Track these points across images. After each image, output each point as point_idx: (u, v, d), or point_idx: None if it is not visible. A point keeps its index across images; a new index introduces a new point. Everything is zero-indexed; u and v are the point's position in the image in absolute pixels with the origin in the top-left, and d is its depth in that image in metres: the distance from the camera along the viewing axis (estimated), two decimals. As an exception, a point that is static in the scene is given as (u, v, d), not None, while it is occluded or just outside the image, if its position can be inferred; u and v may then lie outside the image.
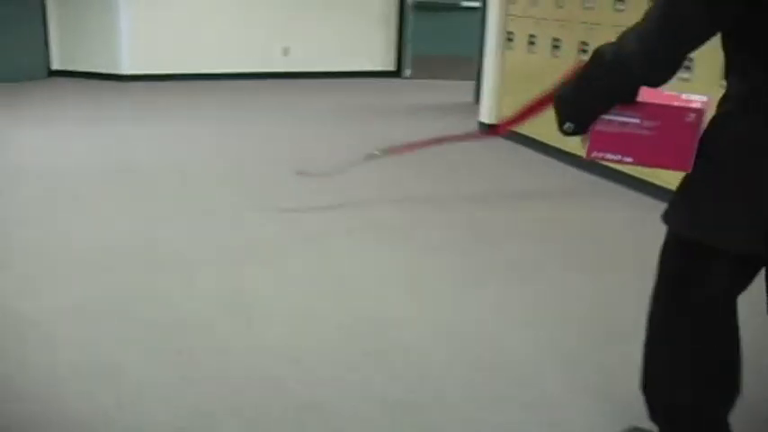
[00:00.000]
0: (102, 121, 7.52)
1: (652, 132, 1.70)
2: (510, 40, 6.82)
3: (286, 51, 10.46)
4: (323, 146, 6.58)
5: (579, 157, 5.61)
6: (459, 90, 9.69)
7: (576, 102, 1.74)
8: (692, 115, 1.69)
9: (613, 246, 4.18)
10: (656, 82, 1.66)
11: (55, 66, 10.14)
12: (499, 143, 6.76)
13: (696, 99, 1.74)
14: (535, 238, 4.31)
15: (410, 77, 11.02)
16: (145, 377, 2.70)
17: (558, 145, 5.96)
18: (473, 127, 7.29)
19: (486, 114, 7.14)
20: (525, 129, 6.49)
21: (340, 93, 9.65)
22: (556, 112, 1.78)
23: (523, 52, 6.59)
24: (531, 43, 6.49)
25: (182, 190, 5.10)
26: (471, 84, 9.11)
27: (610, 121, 1.71)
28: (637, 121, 1.70)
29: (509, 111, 6.73)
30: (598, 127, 1.72)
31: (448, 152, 6.36)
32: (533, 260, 3.97)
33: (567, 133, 1.77)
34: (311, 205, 4.67)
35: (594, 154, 1.75)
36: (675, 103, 1.71)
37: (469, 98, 8.97)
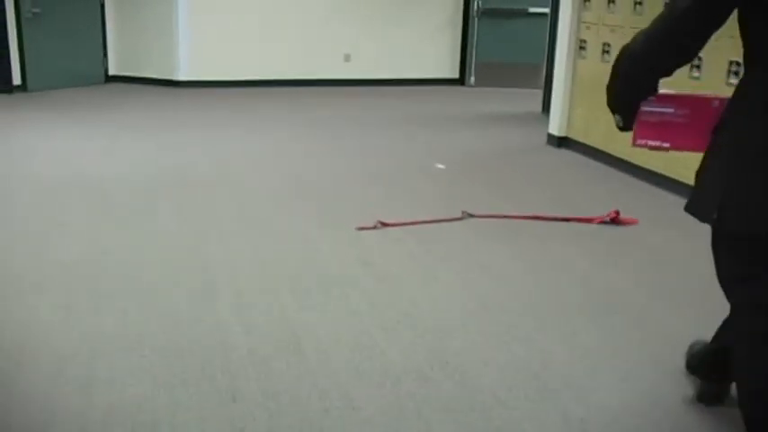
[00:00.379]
0: (158, 128, 7.41)
1: (684, 119, 2.03)
2: (582, 48, 6.49)
3: (347, 58, 10.27)
4: (385, 157, 6.36)
5: (661, 175, 5.21)
6: (525, 99, 9.40)
7: (613, 94, 2.05)
8: (716, 102, 2.04)
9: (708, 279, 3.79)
10: (667, 71, 1.94)
11: (112, 71, 10.10)
12: (572, 158, 6.44)
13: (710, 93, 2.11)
14: (617, 266, 3.96)
15: (474, 85, 10.74)
16: (188, 430, 2.45)
17: (635, 161, 5.62)
18: (542, 139, 6.99)
19: (556, 126, 6.81)
20: (599, 143, 6.17)
21: (402, 100, 9.45)
22: (609, 107, 2.08)
23: (597, 62, 6.24)
24: (606, 52, 6.14)
25: (237, 205, 4.88)
26: (538, 93, 8.84)
27: (651, 112, 2.03)
28: (671, 110, 2.04)
29: (580, 122, 6.51)
30: (641, 118, 2.03)
31: (520, 168, 6.09)
32: (621, 293, 3.63)
33: (619, 127, 2.07)
34: (375, 225, 4.40)
35: (639, 141, 2.08)
36: (700, 94, 2.10)
37: (537, 108, 8.67)
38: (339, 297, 3.46)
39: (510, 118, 8.48)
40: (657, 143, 2.08)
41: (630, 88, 2.01)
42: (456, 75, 10.83)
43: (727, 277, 2.09)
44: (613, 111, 2.06)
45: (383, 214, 4.55)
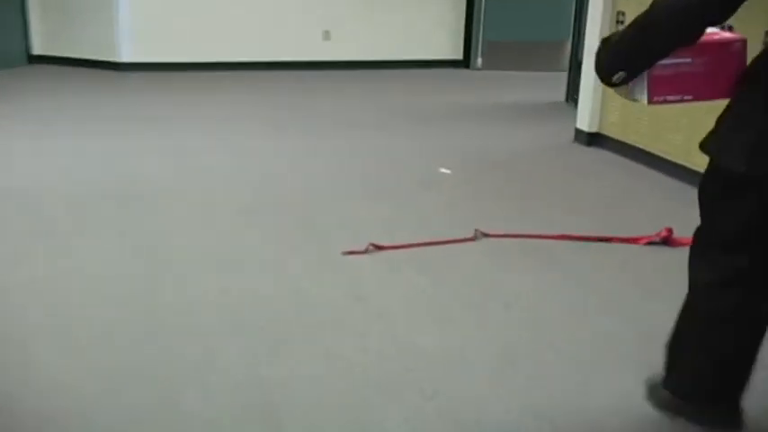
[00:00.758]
0: (96, 122, 7.32)
1: (704, 68, 2.25)
2: (620, 22, 6.37)
3: (327, 36, 10.26)
4: (376, 159, 6.27)
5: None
6: (545, 85, 9.39)
7: (640, 48, 2.23)
8: (738, 44, 2.27)
9: None
10: (721, 20, 2.15)
11: (36, 50, 10.02)
12: (608, 160, 6.36)
13: (726, 33, 2.33)
14: (673, 300, 3.79)
15: (482, 68, 10.75)
16: None
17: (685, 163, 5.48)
18: (568, 136, 6.91)
19: (586, 120, 6.72)
20: (642, 140, 6.04)
21: (394, 88, 9.41)
22: (604, 65, 2.32)
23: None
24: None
25: (196, 221, 4.79)
26: (562, 77, 8.80)
27: (665, 65, 2.22)
28: (689, 60, 2.23)
29: (618, 114, 6.37)
30: (656, 72, 2.23)
31: (542, 173, 6.06)
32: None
33: (614, 84, 2.29)
34: (367, 248, 4.29)
35: (656, 98, 2.28)
36: (717, 38, 2.28)
37: (560, 97, 8.66)
38: (324, 345, 3.31)
39: (527, 109, 8.45)
40: (678, 97, 2.31)
41: (673, 41, 2.20)
42: (459, 56, 10.85)
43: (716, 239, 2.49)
44: (618, 69, 2.27)
45: (376, 234, 4.45)
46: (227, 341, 3.32)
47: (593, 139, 6.66)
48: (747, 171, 2.24)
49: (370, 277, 4.00)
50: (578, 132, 6.83)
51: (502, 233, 4.55)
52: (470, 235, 4.51)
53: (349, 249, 4.26)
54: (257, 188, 5.50)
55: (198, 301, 3.71)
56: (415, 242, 4.39)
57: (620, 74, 2.27)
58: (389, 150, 6.58)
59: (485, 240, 4.49)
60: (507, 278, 4.04)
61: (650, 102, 2.30)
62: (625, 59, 2.28)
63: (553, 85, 9.04)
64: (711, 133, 2.35)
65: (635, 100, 2.37)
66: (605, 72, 2.32)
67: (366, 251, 4.25)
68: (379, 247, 4.29)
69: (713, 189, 2.43)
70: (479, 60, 10.75)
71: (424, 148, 6.64)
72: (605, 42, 2.36)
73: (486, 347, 3.33)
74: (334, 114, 7.91)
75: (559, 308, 3.72)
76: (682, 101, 2.33)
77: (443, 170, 5.91)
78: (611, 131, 6.50)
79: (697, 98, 2.33)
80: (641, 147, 6.08)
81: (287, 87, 9.15)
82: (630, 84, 2.31)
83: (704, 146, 2.36)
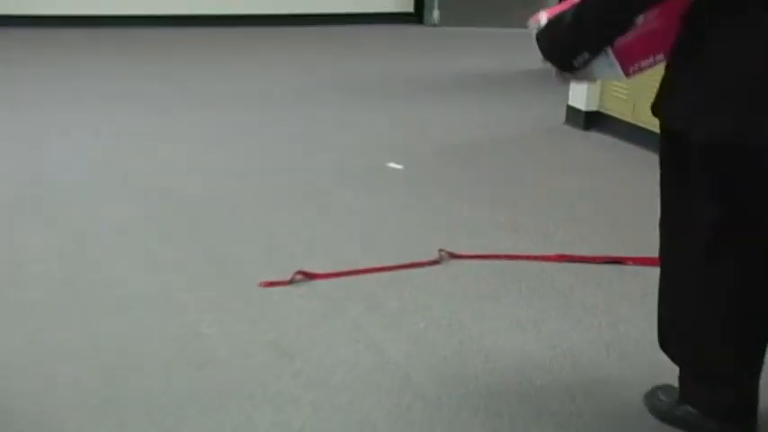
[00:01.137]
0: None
1: (657, 21, 2.56)
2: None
3: None
4: (305, 152, 6.25)
5: None
6: (522, 47, 9.16)
7: (607, 18, 2.54)
8: None
9: None
10: None
11: None
12: (612, 148, 6.36)
13: None
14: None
15: (439, 24, 10.96)
16: None
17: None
18: (558, 116, 6.95)
19: (583, 95, 6.77)
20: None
21: (325, 50, 9.53)
22: (564, 48, 2.65)
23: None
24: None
25: (57, 246, 4.63)
26: (542, 36, 8.84)
27: None
28: (642, 18, 2.52)
29: (624, 88, 6.49)
30: (618, 43, 2.57)
31: (525, 168, 6.08)
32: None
33: (574, 68, 2.63)
34: (293, 277, 4.21)
35: (632, 68, 2.64)
36: None
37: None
38: (231, 423, 3.13)
39: (501, 79, 8.58)
40: (650, 60, 2.66)
41: (636, 5, 2.50)
42: (410, 7, 11.10)
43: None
44: (583, 49, 2.57)
45: (305, 257, 4.45)
46: (92, 422, 3.12)
47: (592, 121, 6.71)
48: (687, 129, 2.59)
49: (298, 320, 3.90)
50: (571, 111, 6.89)
51: (475, 254, 4.51)
52: (433, 257, 4.47)
53: (268, 280, 4.18)
54: (139, 192, 5.42)
55: (49, 359, 3.51)
56: (359, 268, 4.34)
57: (584, 54, 2.57)
58: (320, 137, 6.59)
59: (452, 263, 4.47)
60: (485, 317, 3.95)
61: (627, 74, 2.66)
62: (591, 35, 2.57)
63: (533, 48, 8.97)
64: (659, 91, 2.70)
65: (593, 80, 2.83)
66: (567, 55, 2.62)
67: (292, 282, 4.19)
68: (309, 276, 4.24)
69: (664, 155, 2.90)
70: (435, 14, 10.97)
71: (366, 135, 6.65)
72: (556, 25, 2.65)
73: (461, 420, 3.20)
74: (246, 86, 7.95)
75: (558, 359, 3.61)
76: (654, 63, 2.68)
77: (393, 165, 5.94)
78: (616, 110, 6.52)
79: (666, 54, 2.67)
80: (658, 131, 5.92)
81: (184, 49, 9.28)
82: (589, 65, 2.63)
83: (653, 107, 2.72)
